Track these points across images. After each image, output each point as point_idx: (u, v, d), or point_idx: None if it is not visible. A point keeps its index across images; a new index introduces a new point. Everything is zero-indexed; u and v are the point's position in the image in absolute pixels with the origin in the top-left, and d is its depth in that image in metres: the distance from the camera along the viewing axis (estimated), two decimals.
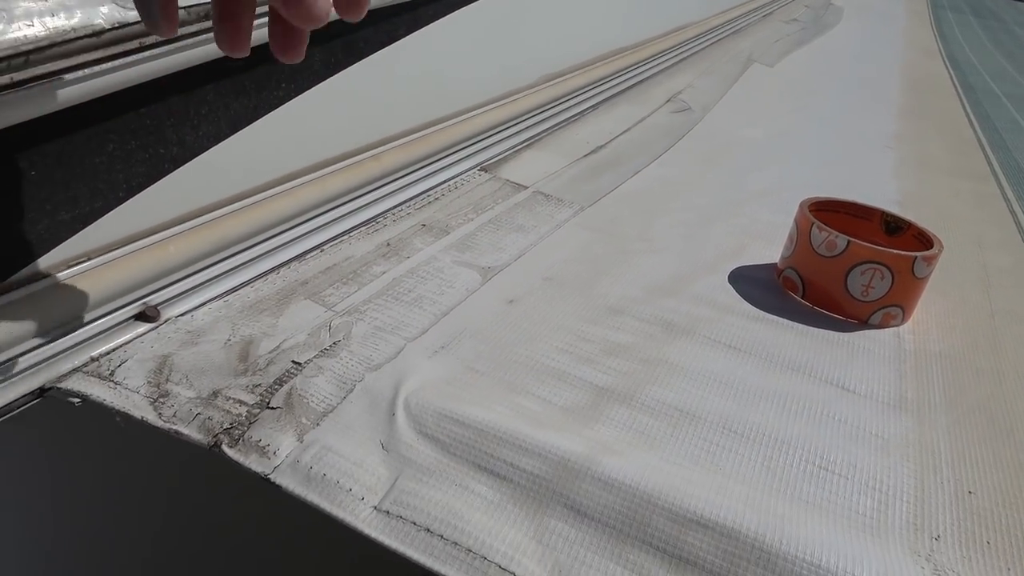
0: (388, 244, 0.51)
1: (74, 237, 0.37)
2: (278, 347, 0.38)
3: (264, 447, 0.32)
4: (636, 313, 0.47)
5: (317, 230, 0.50)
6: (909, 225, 0.55)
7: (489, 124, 0.69)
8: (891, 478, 0.36)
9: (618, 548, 0.31)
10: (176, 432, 0.33)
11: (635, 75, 1.04)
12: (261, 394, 0.35)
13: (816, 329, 0.49)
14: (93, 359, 0.37)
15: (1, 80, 0.31)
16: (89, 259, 0.38)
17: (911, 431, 0.40)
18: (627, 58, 1.03)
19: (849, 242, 0.49)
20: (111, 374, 0.35)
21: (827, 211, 0.57)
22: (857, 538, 0.31)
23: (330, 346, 0.39)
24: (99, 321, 0.38)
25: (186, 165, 0.43)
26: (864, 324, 0.51)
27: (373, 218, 0.55)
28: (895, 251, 0.49)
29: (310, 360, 0.38)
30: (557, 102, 0.82)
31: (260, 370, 0.36)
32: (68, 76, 0.34)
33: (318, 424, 0.34)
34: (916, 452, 0.38)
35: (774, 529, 0.31)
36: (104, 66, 0.35)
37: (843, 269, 0.50)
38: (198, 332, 0.39)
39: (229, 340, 0.39)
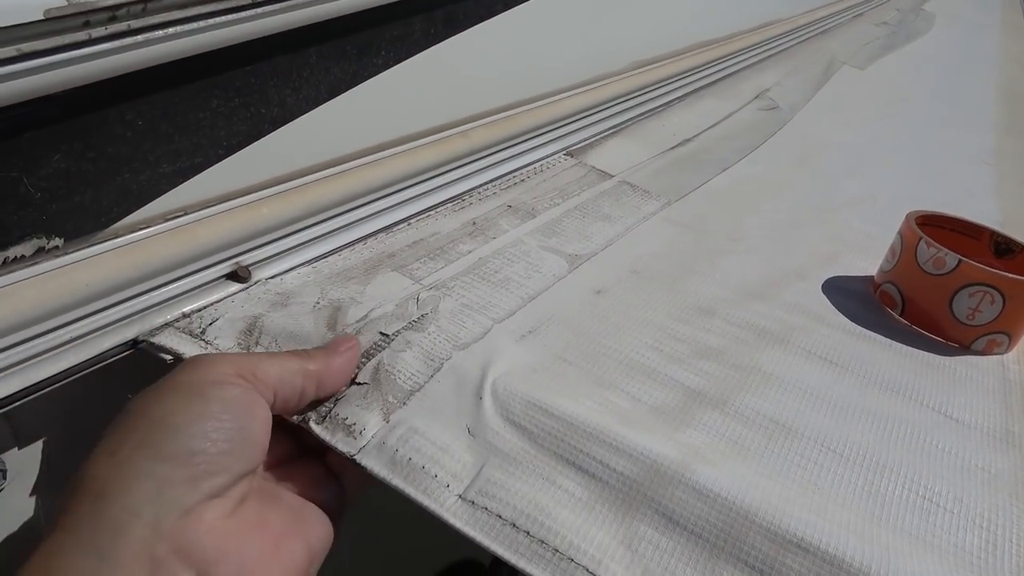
0: (474, 223, 0.50)
1: (173, 190, 0.37)
2: (366, 316, 0.38)
3: (351, 426, 0.32)
4: (726, 316, 0.46)
5: (405, 203, 0.50)
6: (1022, 248, 0.52)
7: (577, 108, 0.68)
8: (999, 517, 0.34)
9: (711, 563, 0.29)
10: None
11: (723, 69, 1.01)
12: None
13: (915, 350, 0.47)
14: (185, 315, 0.37)
15: (118, 27, 0.31)
16: (186, 214, 0.38)
17: (1020, 468, 0.37)
18: (715, 51, 1.00)
19: (960, 261, 0.46)
20: (202, 332, 0.35)
21: (932, 226, 0.53)
22: None
23: (418, 319, 0.38)
24: (192, 277, 0.38)
25: (284, 127, 0.42)
26: (966, 349, 0.48)
27: (459, 195, 0.54)
28: (1011, 275, 0.46)
29: (398, 332, 0.37)
30: (645, 90, 0.80)
31: None
32: (181, 28, 0.34)
33: (404, 404, 0.33)
34: None
35: (880, 561, 0.29)
36: (216, 20, 0.35)
37: (950, 289, 0.47)
38: (287, 295, 0.39)
39: (318, 303, 0.38)
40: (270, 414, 0.29)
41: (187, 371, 0.28)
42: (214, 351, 0.34)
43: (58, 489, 0.37)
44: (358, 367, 0.34)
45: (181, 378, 0.28)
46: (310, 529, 0.29)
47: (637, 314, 0.44)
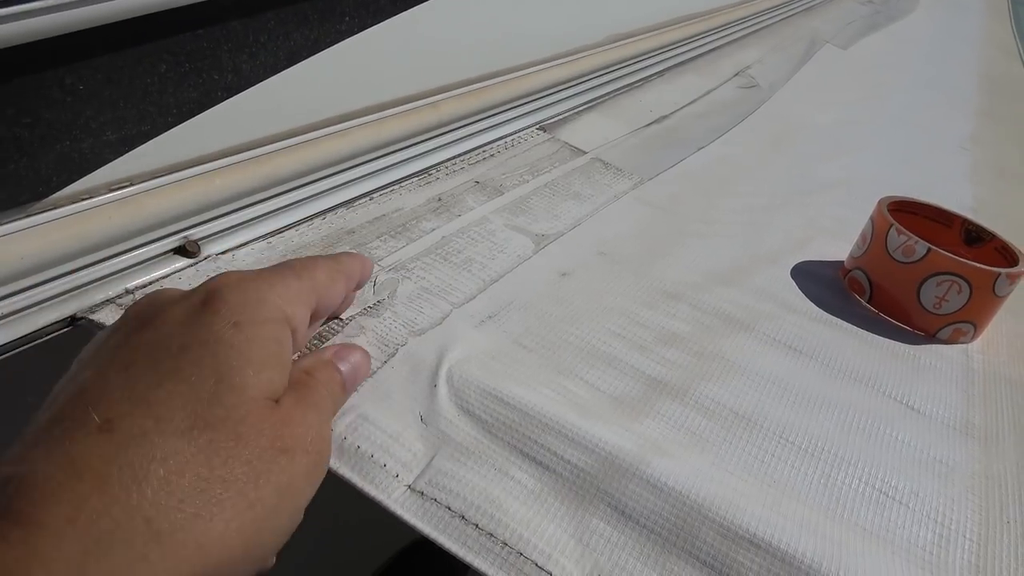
0: (439, 199, 0.49)
1: (118, 160, 0.35)
2: None
3: None
4: (693, 301, 0.45)
5: (368, 176, 0.48)
6: (992, 237, 0.52)
7: (551, 81, 0.66)
8: (954, 512, 0.34)
9: (662, 557, 0.29)
10: None
11: (703, 44, 0.99)
12: (300, 354, 0.33)
13: (880, 338, 0.46)
14: (128, 291, 0.35)
15: None
16: (132, 184, 0.36)
17: (977, 460, 0.37)
18: (696, 26, 0.98)
19: (929, 250, 0.46)
20: None
21: (904, 212, 0.53)
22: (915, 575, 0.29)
23: (374, 304, 0.37)
24: (137, 251, 0.36)
25: (239, 95, 0.40)
26: (931, 338, 0.48)
27: (426, 169, 0.52)
28: (978, 265, 0.45)
29: (352, 318, 0.35)
30: (622, 64, 0.78)
31: None
32: None
33: (356, 390, 0.32)
34: (982, 485, 0.36)
35: (832, 558, 0.29)
36: None
37: (918, 278, 0.47)
38: None
39: None
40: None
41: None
42: None
43: None
44: (310, 351, 0.33)
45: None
46: None
47: (602, 299, 0.43)
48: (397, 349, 0.34)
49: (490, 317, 0.39)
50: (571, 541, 0.29)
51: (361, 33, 0.46)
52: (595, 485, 0.30)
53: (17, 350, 0.32)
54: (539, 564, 0.27)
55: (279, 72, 0.42)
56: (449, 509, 0.28)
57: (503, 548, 0.28)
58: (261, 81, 0.41)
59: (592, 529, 0.29)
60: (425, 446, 0.31)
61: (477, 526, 0.28)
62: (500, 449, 0.31)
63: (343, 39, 0.45)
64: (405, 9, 0.49)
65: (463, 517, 0.28)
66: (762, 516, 0.30)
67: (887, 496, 0.33)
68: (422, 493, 0.29)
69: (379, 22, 0.48)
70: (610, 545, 0.29)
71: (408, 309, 0.37)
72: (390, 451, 0.30)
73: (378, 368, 0.33)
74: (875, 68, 1.26)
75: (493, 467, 0.30)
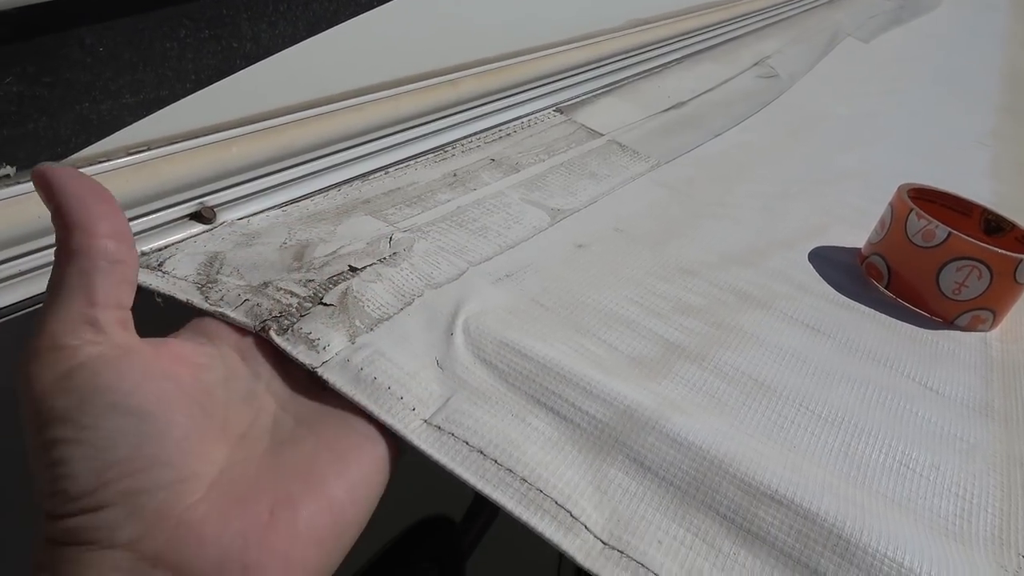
0: (455, 175, 0.49)
1: (136, 123, 0.36)
2: (335, 252, 0.36)
3: (314, 340, 0.30)
4: (710, 278, 0.44)
5: (384, 151, 0.48)
6: (1013, 227, 0.51)
7: (570, 64, 0.66)
8: (976, 486, 0.33)
9: (682, 510, 0.28)
10: (222, 315, 0.31)
11: (723, 33, 0.99)
12: (315, 289, 0.33)
13: (898, 322, 0.46)
14: (144, 254, 0.35)
15: None
16: (149, 149, 0.36)
17: (999, 440, 0.37)
18: (716, 14, 0.97)
19: (950, 234, 0.45)
20: (159, 264, 0.34)
21: (923, 200, 0.52)
22: (940, 543, 0.29)
23: (390, 256, 0.37)
24: (153, 215, 0.36)
25: (258, 64, 0.40)
26: (949, 324, 0.47)
27: (442, 146, 0.52)
28: (1000, 251, 0.45)
29: (368, 266, 0.35)
30: (642, 50, 0.78)
31: (315, 268, 0.34)
32: None
33: (372, 329, 0.32)
34: (1003, 462, 0.35)
35: (854, 518, 0.28)
36: None
37: (938, 263, 0.46)
38: (253, 235, 0.37)
39: (285, 243, 0.37)
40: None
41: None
42: (170, 279, 0.33)
43: None
44: (324, 288, 0.33)
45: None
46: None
47: (619, 270, 0.43)
48: (413, 299, 0.34)
49: (507, 276, 0.38)
50: (589, 487, 0.28)
51: (382, 6, 0.46)
52: (613, 436, 0.30)
53: (29, 309, 0.32)
54: (559, 502, 0.27)
55: (298, 43, 0.42)
56: (467, 444, 0.28)
57: (523, 484, 0.27)
58: (280, 51, 0.41)
59: (611, 479, 0.29)
60: (441, 388, 0.30)
61: (496, 461, 0.28)
62: (517, 397, 0.31)
63: (363, 12, 0.45)
64: None
65: (482, 452, 0.28)
66: (783, 475, 0.29)
67: (908, 468, 0.33)
68: (439, 427, 0.28)
69: None
70: (628, 495, 0.28)
71: (425, 263, 0.37)
72: (407, 386, 0.29)
73: (395, 314, 0.33)
74: (897, 62, 1.25)
75: (510, 412, 0.30)
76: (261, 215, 0.40)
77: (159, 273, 0.33)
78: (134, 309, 0.27)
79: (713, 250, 0.48)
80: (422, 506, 0.53)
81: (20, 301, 0.32)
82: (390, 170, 0.48)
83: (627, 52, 0.75)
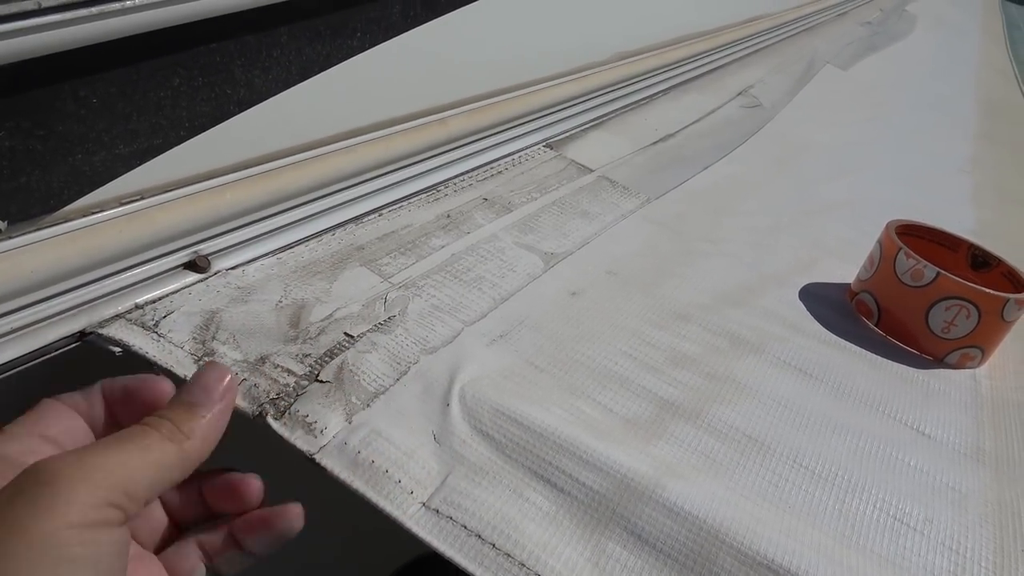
0: (448, 216, 0.49)
1: (130, 173, 0.35)
2: (331, 315, 0.36)
3: (311, 423, 0.30)
4: (703, 322, 0.45)
5: (377, 192, 0.48)
6: (999, 262, 0.52)
7: (558, 99, 0.66)
8: (969, 539, 0.33)
9: None
10: None
11: (706, 63, 1.00)
12: (311, 365, 0.33)
13: (889, 362, 0.46)
14: (138, 306, 0.35)
15: None
16: (143, 198, 0.36)
17: (990, 488, 0.37)
18: (699, 44, 0.99)
19: (938, 274, 0.46)
20: (155, 325, 0.33)
21: (910, 235, 0.53)
22: None
23: (385, 321, 0.37)
24: (147, 266, 0.36)
25: (251, 109, 0.40)
26: (939, 362, 0.47)
27: (434, 185, 0.52)
28: (988, 290, 0.45)
29: (363, 334, 0.35)
30: (628, 82, 0.78)
31: (311, 339, 0.34)
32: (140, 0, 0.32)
33: (369, 405, 0.32)
34: (995, 512, 0.35)
35: None
36: None
37: (927, 302, 0.47)
38: (248, 289, 0.37)
39: (280, 302, 0.36)
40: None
41: (34, 507, 0.19)
42: (167, 346, 0.32)
43: None
44: (320, 364, 0.33)
45: (26, 521, 0.19)
46: None
47: (612, 319, 0.43)
48: (409, 367, 0.34)
49: (501, 336, 0.38)
50: (587, 565, 0.28)
51: (372, 49, 0.46)
52: (611, 508, 0.30)
53: (26, 365, 0.32)
54: None
55: (291, 87, 0.42)
56: (465, 528, 0.28)
57: (521, 568, 0.27)
58: (273, 95, 0.41)
59: (608, 553, 0.29)
60: (439, 464, 0.30)
61: (494, 546, 0.28)
62: (515, 470, 0.31)
63: (354, 55, 0.45)
64: (415, 26, 0.49)
65: (479, 536, 0.28)
66: (779, 542, 0.29)
67: (901, 523, 0.33)
68: (437, 511, 0.29)
69: (389, 38, 0.47)
70: (627, 570, 0.28)
71: (419, 326, 0.37)
72: (404, 467, 0.30)
73: (391, 385, 0.33)
74: (875, 89, 1.27)
75: (508, 488, 0.30)
76: (256, 263, 0.40)
77: (155, 336, 0.33)
78: None
79: (705, 290, 0.49)
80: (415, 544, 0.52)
81: (15, 359, 0.31)
82: (384, 212, 0.48)
83: (614, 84, 0.75)
